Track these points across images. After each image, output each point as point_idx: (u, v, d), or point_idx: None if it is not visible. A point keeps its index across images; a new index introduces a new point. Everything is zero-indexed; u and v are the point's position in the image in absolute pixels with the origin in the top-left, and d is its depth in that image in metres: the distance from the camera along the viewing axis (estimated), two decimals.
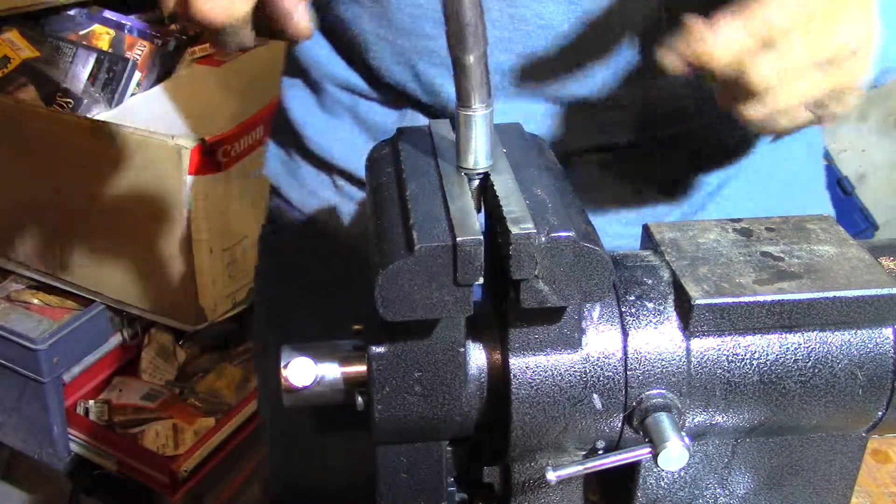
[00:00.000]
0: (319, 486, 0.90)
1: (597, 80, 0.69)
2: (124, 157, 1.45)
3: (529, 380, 0.47)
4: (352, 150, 0.78)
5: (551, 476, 0.47)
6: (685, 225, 0.54)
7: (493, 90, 0.62)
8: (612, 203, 0.75)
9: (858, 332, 0.49)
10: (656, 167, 0.76)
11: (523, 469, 0.51)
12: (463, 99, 0.45)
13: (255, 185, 1.55)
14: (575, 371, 0.48)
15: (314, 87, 0.81)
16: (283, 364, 0.48)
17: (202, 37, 1.94)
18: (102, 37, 1.78)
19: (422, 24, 0.69)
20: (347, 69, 0.78)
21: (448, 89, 0.71)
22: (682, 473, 0.52)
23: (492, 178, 0.47)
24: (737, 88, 0.53)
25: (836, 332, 0.49)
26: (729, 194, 0.78)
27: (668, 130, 0.74)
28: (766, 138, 0.76)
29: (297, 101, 0.83)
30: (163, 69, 1.77)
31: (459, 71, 0.44)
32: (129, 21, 1.80)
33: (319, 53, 0.79)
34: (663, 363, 0.48)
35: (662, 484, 0.52)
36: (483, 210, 0.48)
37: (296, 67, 0.83)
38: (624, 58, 0.68)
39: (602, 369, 0.48)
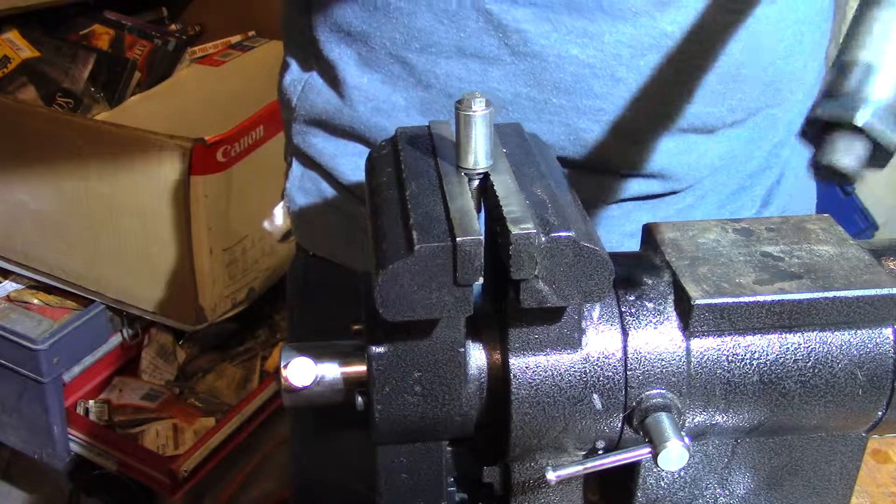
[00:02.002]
0: (342, 481, 0.89)
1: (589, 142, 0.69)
2: (124, 157, 1.45)
3: (529, 380, 0.47)
4: None
5: (551, 476, 0.47)
6: (685, 225, 0.54)
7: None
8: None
9: (858, 332, 0.49)
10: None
11: (523, 469, 0.51)
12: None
13: (255, 185, 1.55)
14: (575, 371, 0.48)
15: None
16: (282, 364, 0.48)
17: (202, 37, 1.94)
18: (102, 37, 1.79)
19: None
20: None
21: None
22: (682, 473, 0.52)
23: (492, 178, 0.47)
24: None
25: (836, 332, 0.49)
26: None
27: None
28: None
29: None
30: (163, 69, 1.77)
31: None
32: (129, 21, 1.80)
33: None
34: (663, 363, 0.48)
35: (662, 484, 0.52)
36: (483, 210, 0.48)
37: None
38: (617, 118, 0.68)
39: (602, 369, 0.48)
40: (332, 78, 0.74)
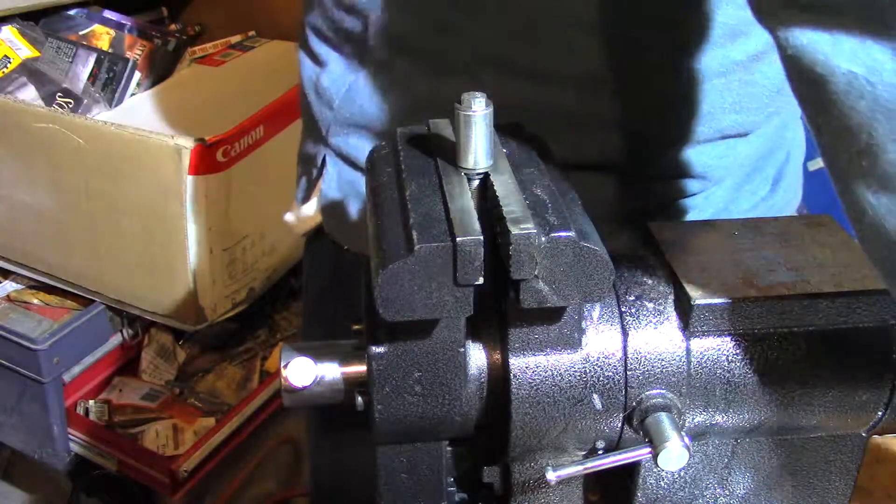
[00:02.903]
0: (360, 480, 0.89)
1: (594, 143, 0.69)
2: (124, 157, 1.45)
3: (529, 380, 0.47)
4: None
5: (551, 476, 0.47)
6: (685, 225, 0.54)
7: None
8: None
9: (858, 332, 0.49)
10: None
11: (523, 469, 0.51)
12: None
13: (255, 185, 1.55)
14: (575, 371, 0.48)
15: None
16: (282, 364, 0.48)
17: (202, 36, 1.94)
18: (102, 37, 1.78)
19: None
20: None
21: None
22: (682, 473, 0.52)
23: (492, 178, 0.47)
24: None
25: (836, 332, 0.49)
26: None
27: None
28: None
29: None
30: (163, 69, 1.77)
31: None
32: (129, 21, 1.80)
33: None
34: (663, 363, 0.48)
35: (662, 484, 0.52)
36: (483, 210, 0.48)
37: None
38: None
39: (602, 369, 0.48)
40: (385, 83, 0.74)
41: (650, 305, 0.49)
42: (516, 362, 0.47)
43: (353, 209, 0.81)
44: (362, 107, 0.76)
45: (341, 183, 0.81)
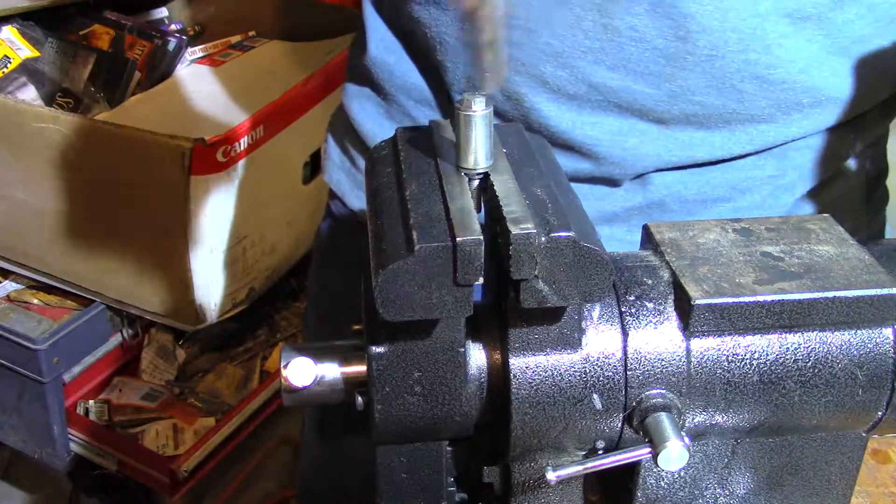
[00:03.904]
0: (351, 480, 0.89)
1: (688, 97, 0.68)
2: (124, 157, 1.45)
3: (529, 380, 0.47)
4: None
5: (551, 476, 0.47)
6: (685, 225, 0.54)
7: (573, 100, 0.62)
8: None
9: (858, 332, 0.49)
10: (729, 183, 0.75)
11: (523, 469, 0.51)
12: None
13: (256, 185, 1.55)
14: (575, 371, 0.48)
15: (386, 98, 0.79)
16: (282, 364, 0.48)
17: (202, 36, 1.94)
18: (102, 37, 1.78)
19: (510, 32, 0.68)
20: (422, 81, 0.76)
21: (532, 99, 0.70)
22: (682, 473, 0.52)
23: (492, 178, 0.47)
24: None
25: (836, 332, 0.49)
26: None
27: (750, 148, 0.72)
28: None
29: (366, 114, 0.81)
30: (163, 69, 1.77)
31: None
32: (129, 21, 1.80)
33: (393, 64, 0.77)
34: (663, 363, 0.48)
35: (662, 484, 0.52)
36: (483, 210, 0.48)
37: (364, 77, 0.81)
38: (717, 76, 0.67)
39: (602, 369, 0.48)
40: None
41: (650, 305, 0.49)
42: (516, 362, 0.47)
43: None
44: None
45: None
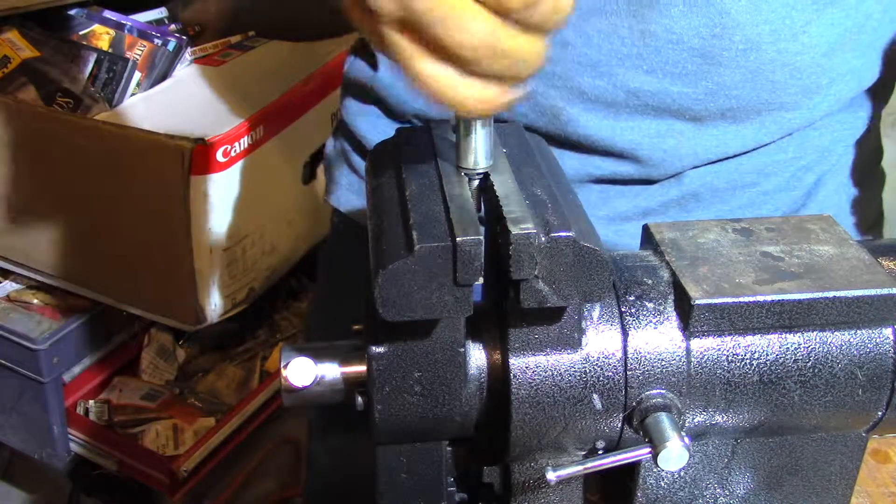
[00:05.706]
0: (358, 480, 0.89)
1: (725, 93, 0.69)
2: (124, 157, 1.45)
3: (529, 380, 0.47)
4: None
5: (551, 476, 0.47)
6: (685, 225, 0.54)
7: (610, 108, 0.66)
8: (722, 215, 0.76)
9: (858, 332, 0.49)
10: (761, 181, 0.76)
11: (523, 469, 0.51)
12: None
13: (255, 185, 1.55)
14: (575, 371, 0.48)
15: (399, 119, 0.79)
16: (282, 364, 0.48)
17: (202, 36, 1.94)
18: (102, 37, 1.78)
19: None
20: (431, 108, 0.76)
21: (569, 111, 0.71)
22: (682, 473, 0.52)
23: (492, 178, 0.47)
24: None
25: (836, 332, 0.49)
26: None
27: (777, 135, 0.74)
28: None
29: (377, 132, 0.80)
30: (163, 69, 1.76)
31: None
32: (129, 21, 1.80)
33: (403, 88, 0.76)
34: (663, 363, 0.48)
35: (662, 484, 0.52)
36: (483, 210, 0.48)
37: (370, 96, 0.81)
38: (751, 69, 0.68)
39: (602, 369, 0.48)
40: None
41: (650, 305, 0.49)
42: (516, 362, 0.47)
43: None
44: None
45: None
